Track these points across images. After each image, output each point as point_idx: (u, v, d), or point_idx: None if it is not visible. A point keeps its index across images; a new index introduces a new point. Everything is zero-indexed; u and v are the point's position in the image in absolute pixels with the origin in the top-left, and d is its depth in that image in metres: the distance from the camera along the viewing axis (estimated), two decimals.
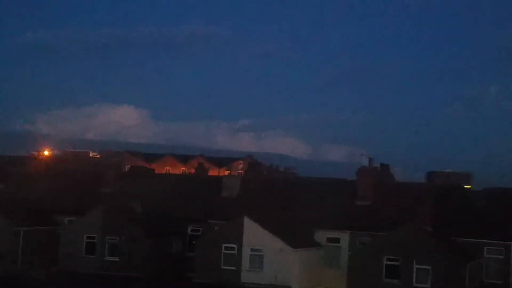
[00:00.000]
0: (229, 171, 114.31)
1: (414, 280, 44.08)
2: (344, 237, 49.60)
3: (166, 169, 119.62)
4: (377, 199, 51.73)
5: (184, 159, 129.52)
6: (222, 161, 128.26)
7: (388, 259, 44.83)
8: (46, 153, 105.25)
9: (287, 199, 53.43)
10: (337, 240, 49.94)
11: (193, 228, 53.71)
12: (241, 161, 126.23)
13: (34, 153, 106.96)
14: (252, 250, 46.98)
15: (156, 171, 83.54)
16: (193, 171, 77.69)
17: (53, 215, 55.88)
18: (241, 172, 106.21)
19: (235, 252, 47.24)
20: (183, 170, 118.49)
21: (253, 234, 46.88)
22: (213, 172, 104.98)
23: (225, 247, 47.48)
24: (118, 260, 50.32)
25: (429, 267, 43.83)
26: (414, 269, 44.14)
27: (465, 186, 63.17)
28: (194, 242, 50.33)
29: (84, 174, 64.19)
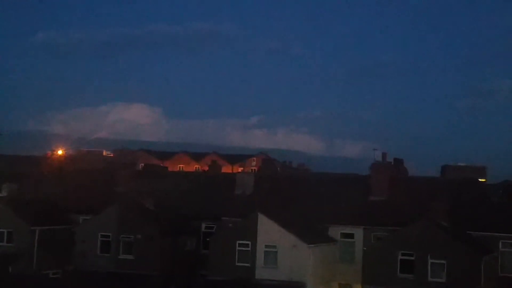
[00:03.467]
0: (242, 168, 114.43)
1: (429, 275, 43.94)
2: (359, 233, 49.51)
3: (180, 167, 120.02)
4: (391, 194, 51.58)
5: (197, 156, 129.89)
6: (235, 158, 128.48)
7: (402, 254, 44.71)
8: (60, 152, 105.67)
9: (301, 195, 53.40)
10: (351, 236, 49.84)
11: (207, 225, 53.79)
12: (254, 158, 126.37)
13: (48, 152, 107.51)
14: (266, 246, 46.98)
15: (169, 169, 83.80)
16: (206, 168, 77.78)
17: (67, 214, 56.11)
18: (255, 169, 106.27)
19: (249, 249, 47.26)
20: (196, 167, 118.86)
21: (267, 230, 46.88)
22: (227, 169, 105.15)
23: (239, 244, 47.50)
24: (132, 258, 50.49)
25: (444, 262, 43.67)
26: (429, 264, 43.99)
27: (480, 180, 62.82)
28: (208, 239, 50.37)
29: (98, 173, 64.44)
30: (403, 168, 61.43)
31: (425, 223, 45.03)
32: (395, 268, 44.65)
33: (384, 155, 55.32)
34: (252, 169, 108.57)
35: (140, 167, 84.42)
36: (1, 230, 53.49)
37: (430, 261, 43.94)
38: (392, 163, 58.10)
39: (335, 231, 49.96)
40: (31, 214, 54.03)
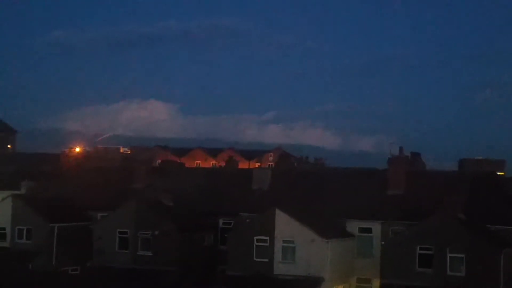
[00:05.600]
0: (259, 164, 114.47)
1: (448, 269, 43.70)
2: (376, 227, 49.36)
3: (196, 163, 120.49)
4: (408, 188, 51.36)
5: (214, 152, 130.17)
6: (252, 153, 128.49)
7: (421, 248, 44.48)
8: (77, 150, 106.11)
9: (318, 190, 53.32)
10: (369, 230, 49.70)
11: (224, 221, 53.83)
12: (271, 153, 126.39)
13: (65, 150, 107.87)
14: (284, 241, 46.90)
15: (186, 165, 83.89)
16: (223, 164, 77.92)
17: (85, 211, 56.39)
18: (271, 164, 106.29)
19: (267, 244, 47.21)
20: (213, 163, 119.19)
21: (285, 225, 46.82)
22: (243, 165, 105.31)
23: (257, 239, 47.47)
24: (151, 254, 50.61)
25: (462, 256, 43.41)
26: (448, 258, 43.73)
27: (498, 173, 62.43)
28: (226, 235, 50.42)
29: (115, 170, 64.65)
30: (420, 162, 61.24)
31: (444, 216, 44.78)
32: (414, 262, 44.44)
33: (401, 149, 54.95)
34: (268, 165, 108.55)
35: (157, 163, 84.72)
36: (21, 227, 53.90)
37: (449, 255, 43.68)
38: (410, 157, 57.80)
39: (353, 226, 49.84)
40: (49, 211, 54.38)
